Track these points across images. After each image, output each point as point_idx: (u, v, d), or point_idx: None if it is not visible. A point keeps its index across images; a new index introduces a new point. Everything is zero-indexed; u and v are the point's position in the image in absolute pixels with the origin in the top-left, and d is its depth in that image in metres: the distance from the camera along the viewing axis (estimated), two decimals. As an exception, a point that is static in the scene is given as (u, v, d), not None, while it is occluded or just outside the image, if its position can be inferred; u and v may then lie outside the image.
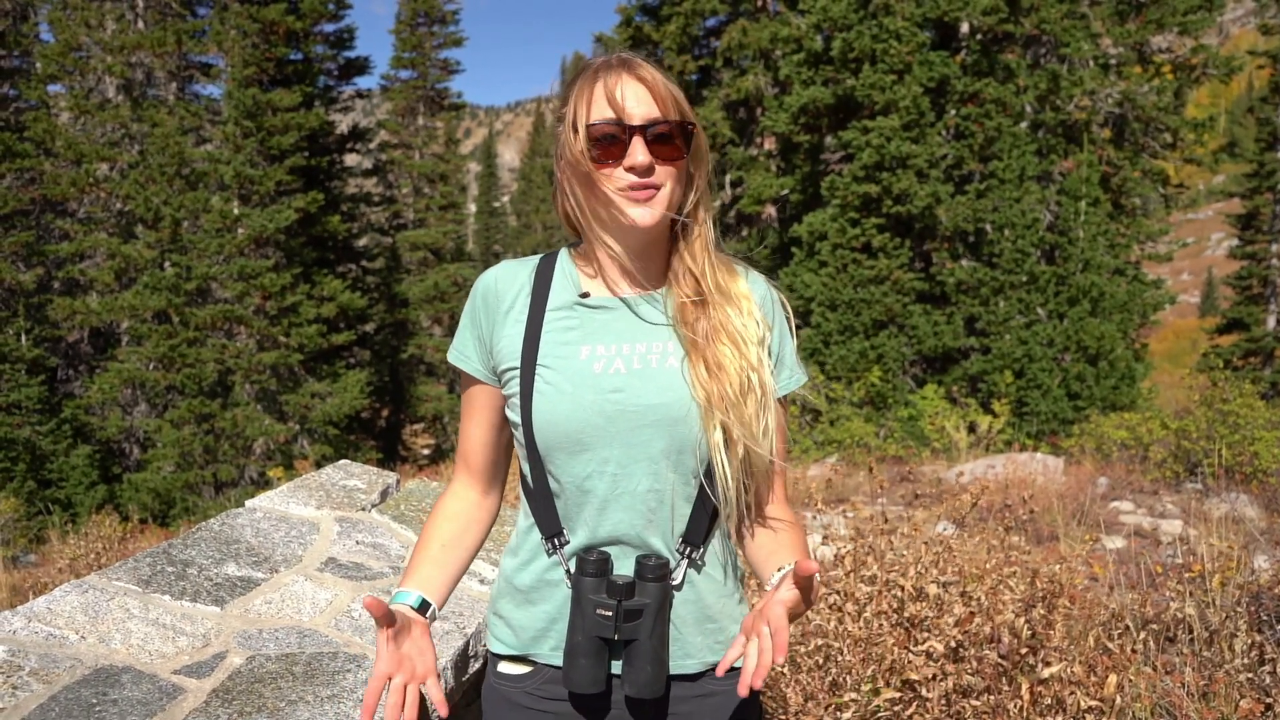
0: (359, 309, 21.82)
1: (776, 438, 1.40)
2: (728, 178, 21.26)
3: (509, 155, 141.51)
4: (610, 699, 1.40)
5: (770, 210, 21.28)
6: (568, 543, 1.39)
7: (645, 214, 1.34)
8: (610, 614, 1.32)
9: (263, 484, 17.05)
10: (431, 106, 29.22)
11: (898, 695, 2.76)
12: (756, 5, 21.42)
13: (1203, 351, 27.05)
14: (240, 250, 18.12)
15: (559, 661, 1.39)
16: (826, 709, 2.94)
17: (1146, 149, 19.13)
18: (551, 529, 1.41)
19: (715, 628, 1.41)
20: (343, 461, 3.09)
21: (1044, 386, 15.04)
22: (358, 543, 2.49)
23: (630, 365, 1.37)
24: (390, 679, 1.30)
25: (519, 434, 1.42)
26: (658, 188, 1.35)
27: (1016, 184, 16.02)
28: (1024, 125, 17.05)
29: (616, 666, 1.38)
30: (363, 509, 2.72)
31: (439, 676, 1.37)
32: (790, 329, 1.48)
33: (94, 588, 2.02)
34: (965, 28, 17.26)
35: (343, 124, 25.06)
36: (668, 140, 1.34)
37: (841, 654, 3.15)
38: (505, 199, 79.71)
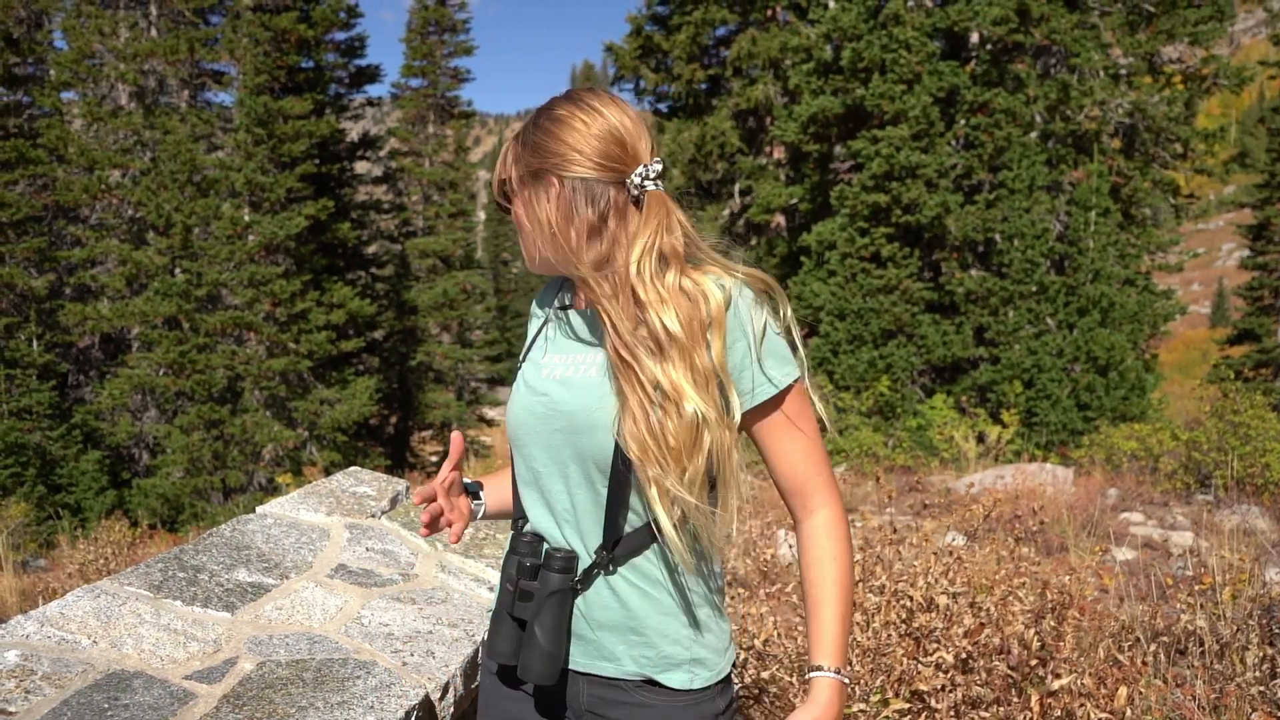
0: (368, 316, 21.87)
1: (770, 437, 1.41)
2: (737, 186, 21.29)
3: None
4: (519, 680, 1.45)
5: (779, 219, 21.29)
6: (525, 524, 1.49)
7: (527, 262, 1.48)
8: (511, 589, 1.41)
9: (271, 490, 17.07)
10: (441, 114, 29.29)
11: (907, 706, 2.75)
12: (766, 15, 21.46)
13: (1213, 362, 26.91)
14: (251, 257, 18.18)
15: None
16: (835, 719, 2.93)
17: (1157, 159, 19.08)
18: (518, 513, 1.51)
19: (641, 641, 1.40)
20: (353, 468, 3.10)
21: (1053, 397, 14.99)
22: (368, 549, 2.49)
23: (565, 373, 1.43)
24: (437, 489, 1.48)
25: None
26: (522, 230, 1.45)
27: (1026, 194, 15.99)
28: (1034, 135, 17.03)
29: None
30: (373, 516, 2.72)
31: (465, 517, 1.53)
32: (755, 335, 1.38)
33: (106, 593, 2.03)
34: (975, 38, 17.27)
35: (353, 131, 25.17)
36: (504, 197, 1.47)
37: (850, 664, 3.14)
38: (514, 207, 79.82)
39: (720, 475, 1.36)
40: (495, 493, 1.61)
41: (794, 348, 1.43)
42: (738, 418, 1.35)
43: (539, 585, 1.38)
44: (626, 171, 1.37)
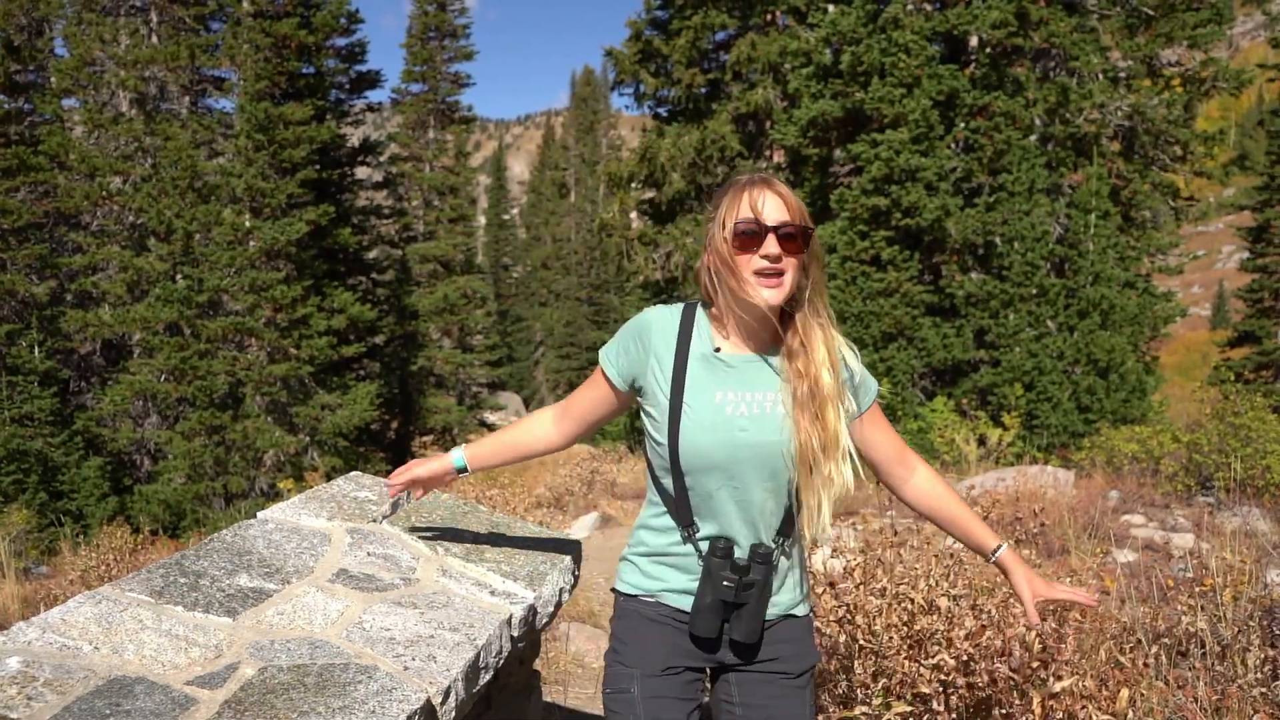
0: (369, 321, 21.88)
1: (874, 429, 2.05)
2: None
3: (518, 168, 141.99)
4: (719, 640, 1.98)
5: (779, 223, 21.27)
6: (698, 531, 1.94)
7: (773, 295, 1.85)
8: (732, 585, 1.89)
9: (273, 495, 17.07)
10: (442, 119, 29.35)
11: (909, 709, 2.75)
12: (766, 19, 21.49)
13: (1214, 365, 26.90)
14: (251, 263, 18.20)
15: (676, 603, 1.97)
16: (837, 722, 2.93)
17: (1156, 162, 19.09)
18: (685, 520, 1.94)
19: (789, 591, 2.02)
20: (353, 473, 3.10)
21: (1054, 399, 14.99)
22: (369, 554, 2.50)
23: (751, 410, 1.89)
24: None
25: (661, 450, 1.93)
26: (782, 274, 1.85)
27: (1026, 197, 16.00)
28: (1033, 138, 17.05)
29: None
30: (374, 520, 2.72)
31: (420, 486, 2.28)
32: (859, 366, 2.00)
33: (107, 599, 2.03)
34: (974, 41, 17.29)
35: (354, 137, 25.18)
36: (792, 239, 1.86)
37: (852, 667, 3.14)
38: (515, 211, 79.97)
39: (849, 472, 1.92)
40: (485, 456, 2.21)
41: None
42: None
43: (758, 577, 1.91)
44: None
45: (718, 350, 1.91)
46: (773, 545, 1.94)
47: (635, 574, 2.03)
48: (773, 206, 1.86)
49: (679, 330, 1.94)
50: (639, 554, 2.03)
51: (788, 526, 1.95)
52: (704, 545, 1.92)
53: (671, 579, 1.98)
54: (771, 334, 1.91)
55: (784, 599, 2.00)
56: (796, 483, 1.88)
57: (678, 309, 1.98)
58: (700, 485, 1.90)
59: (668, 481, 1.94)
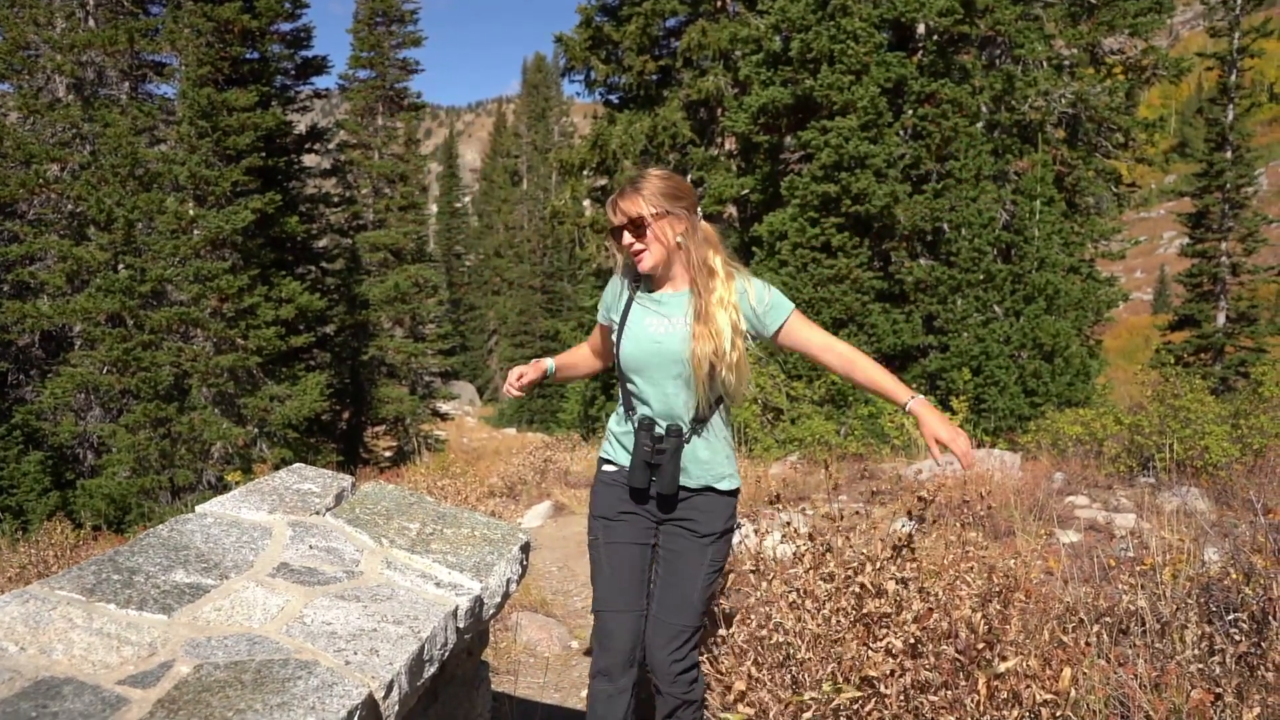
0: (318, 310, 21.55)
1: (798, 333, 2.79)
2: (689, 178, 21.28)
3: (470, 155, 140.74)
4: (648, 493, 2.79)
5: (731, 210, 21.35)
6: (635, 414, 2.79)
7: (643, 264, 2.71)
8: (649, 449, 2.72)
9: (221, 488, 16.78)
10: (391, 106, 28.97)
11: (858, 693, 2.77)
12: (716, 6, 21.48)
13: (1155, 348, 27.53)
14: (196, 252, 17.82)
15: (625, 463, 2.82)
16: (786, 707, 2.94)
17: (1099, 149, 19.43)
18: (628, 407, 2.83)
19: (706, 465, 2.78)
20: (296, 465, 3.04)
21: (1001, 383, 15.22)
22: (311, 547, 2.45)
23: (664, 329, 2.72)
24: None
25: (617, 359, 2.80)
26: (645, 250, 2.69)
27: (973, 183, 16.19)
28: (980, 125, 17.24)
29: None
30: (317, 513, 2.68)
31: (540, 372, 3.00)
32: (765, 290, 2.75)
33: (35, 597, 1.97)
34: (921, 29, 17.43)
35: (301, 124, 24.72)
36: (640, 227, 2.68)
37: (801, 652, 3.16)
38: (467, 199, 79.26)
39: (739, 375, 2.71)
40: (565, 363, 3.12)
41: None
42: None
43: (666, 446, 2.71)
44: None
45: (650, 292, 2.79)
46: (684, 426, 2.73)
47: (607, 447, 2.92)
48: (621, 210, 2.68)
49: (629, 284, 2.84)
50: (610, 434, 2.92)
51: (703, 413, 2.74)
52: (636, 424, 2.76)
53: (622, 450, 2.84)
54: (680, 278, 2.75)
55: (701, 472, 2.76)
56: (703, 376, 2.65)
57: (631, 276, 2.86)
58: (634, 382, 2.77)
59: (621, 382, 2.82)
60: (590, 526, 2.88)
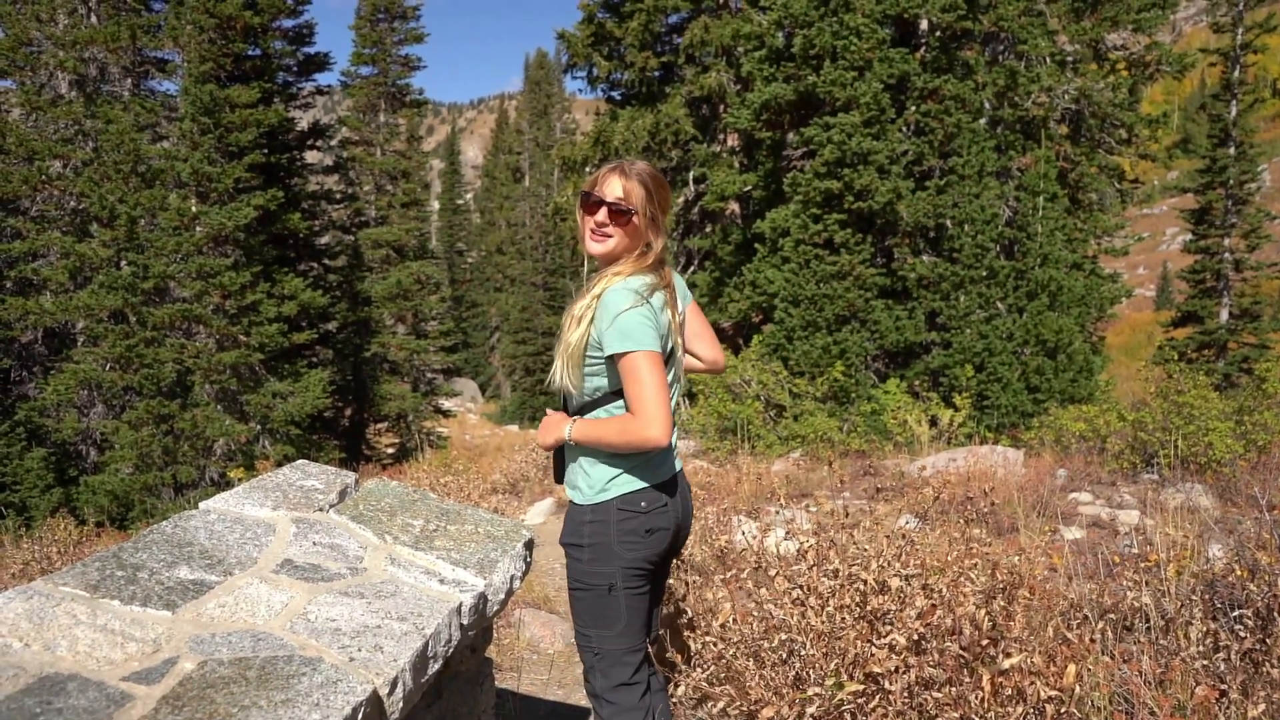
0: (321, 307, 21.56)
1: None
2: (691, 174, 21.27)
3: (472, 152, 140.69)
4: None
5: (733, 206, 21.34)
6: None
7: (597, 248, 2.58)
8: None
9: (224, 485, 16.79)
10: (393, 103, 28.96)
11: (861, 688, 2.77)
12: (719, 2, 21.45)
13: (1158, 344, 27.45)
14: (198, 248, 17.83)
15: None
16: (790, 704, 2.94)
17: (1102, 145, 19.40)
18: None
19: (577, 470, 2.64)
20: (300, 461, 3.04)
21: (1004, 380, 15.20)
22: (315, 544, 2.45)
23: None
24: None
25: None
26: (609, 237, 2.55)
27: (976, 180, 16.16)
28: (983, 121, 17.21)
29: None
30: (320, 509, 2.67)
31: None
32: (602, 318, 2.46)
33: (39, 594, 1.97)
34: (925, 24, 17.40)
35: (303, 121, 24.71)
36: (622, 214, 2.53)
37: (805, 648, 3.15)
38: (469, 196, 79.22)
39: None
40: None
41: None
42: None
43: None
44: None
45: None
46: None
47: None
48: (612, 187, 2.52)
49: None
50: None
51: (581, 409, 2.62)
52: None
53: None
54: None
55: (569, 478, 2.67)
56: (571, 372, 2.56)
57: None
58: None
59: None
60: None
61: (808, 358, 15.69)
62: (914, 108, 16.81)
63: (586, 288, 2.54)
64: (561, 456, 2.68)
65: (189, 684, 1.75)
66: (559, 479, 2.71)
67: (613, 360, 2.44)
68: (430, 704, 2.52)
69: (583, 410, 2.60)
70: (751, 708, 3.16)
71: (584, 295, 2.51)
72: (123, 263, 18.16)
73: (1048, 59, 17.86)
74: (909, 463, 10.46)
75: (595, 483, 2.57)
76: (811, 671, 3.05)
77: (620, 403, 2.52)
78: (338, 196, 27.25)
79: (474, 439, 32.87)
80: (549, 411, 2.74)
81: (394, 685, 1.91)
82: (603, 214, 2.51)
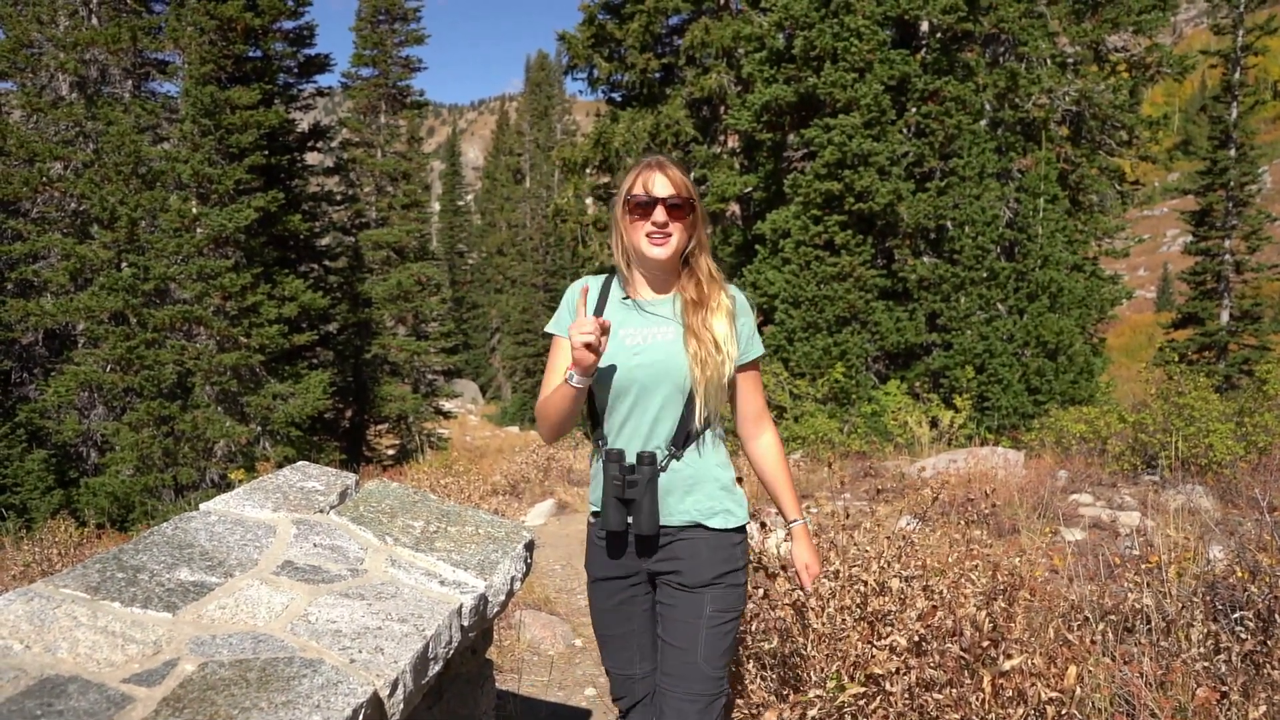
0: (321, 309, 21.55)
1: (748, 385, 2.49)
2: (691, 176, 21.22)
3: (473, 153, 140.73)
4: (628, 537, 2.40)
5: (734, 208, 21.33)
6: (605, 444, 2.40)
7: (661, 252, 2.35)
8: (619, 482, 2.32)
9: (224, 486, 16.78)
10: (394, 104, 28.97)
11: (862, 690, 2.77)
12: (719, 3, 21.45)
13: (1159, 346, 27.44)
14: (199, 250, 17.82)
15: (598, 508, 2.44)
16: (792, 706, 2.94)
17: (1103, 146, 19.39)
18: (598, 438, 2.44)
19: (694, 498, 2.37)
20: (300, 463, 3.04)
21: (1004, 381, 15.20)
22: (315, 545, 2.45)
23: (646, 340, 2.35)
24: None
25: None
26: (669, 236, 2.34)
27: (976, 181, 16.16)
28: (983, 123, 17.21)
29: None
30: (321, 511, 2.67)
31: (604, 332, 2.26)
32: (752, 319, 2.47)
33: (40, 595, 1.97)
34: (925, 26, 17.40)
35: (303, 122, 24.71)
36: (678, 208, 2.34)
37: (806, 649, 3.15)
38: (469, 197, 79.24)
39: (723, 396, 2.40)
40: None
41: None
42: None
43: (639, 477, 2.30)
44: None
45: (627, 298, 2.42)
46: (662, 452, 2.35)
47: (591, 492, 2.51)
48: (661, 184, 2.33)
49: (600, 287, 2.47)
50: (592, 476, 2.52)
51: (681, 438, 2.35)
52: (605, 455, 2.37)
53: (596, 492, 2.46)
54: (670, 284, 2.43)
55: (687, 506, 2.36)
56: (688, 396, 2.33)
57: (601, 275, 2.51)
58: (607, 405, 2.38)
59: (593, 406, 2.44)
60: (587, 583, 2.56)
61: (808, 359, 15.69)
62: (914, 109, 16.81)
63: (696, 301, 2.35)
64: (636, 484, 2.31)
65: (190, 686, 1.75)
66: (649, 526, 2.31)
67: (743, 367, 2.44)
68: (431, 705, 2.52)
69: (687, 441, 2.36)
70: (753, 710, 3.16)
71: (702, 311, 2.34)
72: (123, 264, 18.16)
73: (1048, 61, 17.86)
74: (909, 464, 10.46)
75: (742, 500, 2.46)
76: (812, 673, 3.05)
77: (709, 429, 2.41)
78: (338, 198, 27.26)
79: (474, 440, 32.88)
80: (804, 546, 2.53)
81: (394, 687, 1.91)
82: (660, 213, 2.32)
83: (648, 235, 2.33)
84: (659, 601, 2.42)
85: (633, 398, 2.32)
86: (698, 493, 2.36)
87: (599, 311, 2.39)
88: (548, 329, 2.48)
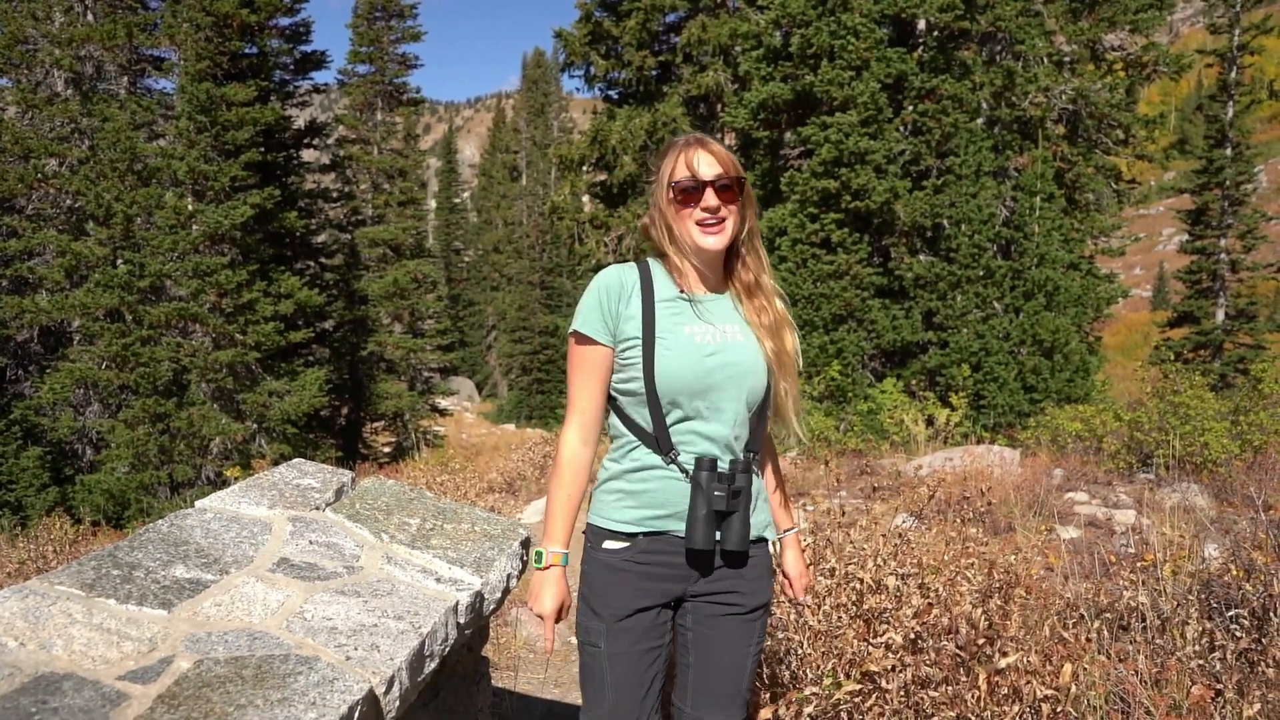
0: (317, 306, 21.53)
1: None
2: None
3: (469, 151, 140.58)
4: (713, 555, 2.12)
5: (731, 206, 21.27)
6: (679, 454, 2.08)
7: (716, 241, 2.10)
8: (723, 494, 2.04)
9: (220, 484, 16.75)
10: (390, 101, 28.93)
11: (858, 687, 2.77)
12: (716, 1, 21.44)
13: (1154, 344, 27.53)
14: (195, 247, 17.79)
15: (665, 527, 2.10)
16: (788, 703, 2.94)
17: (1099, 145, 19.40)
18: (666, 448, 2.09)
19: (759, 507, 2.21)
20: (296, 460, 3.04)
21: (1000, 379, 15.22)
22: (311, 542, 2.45)
23: (718, 339, 2.10)
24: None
25: (636, 385, 2.08)
26: (723, 221, 2.10)
27: (973, 179, 16.17)
28: (980, 121, 17.22)
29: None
30: (316, 508, 2.67)
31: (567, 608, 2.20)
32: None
33: (35, 593, 1.96)
34: (922, 24, 17.40)
35: (300, 119, 24.67)
36: (728, 189, 2.09)
37: (802, 647, 3.16)
38: (466, 195, 79.21)
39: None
40: (565, 526, 2.19)
41: None
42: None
43: (742, 485, 2.08)
44: None
45: (682, 293, 2.14)
46: (747, 456, 2.15)
47: (616, 515, 2.12)
48: (707, 163, 2.08)
49: (640, 280, 2.13)
50: (614, 497, 2.13)
51: (754, 442, 2.20)
52: (688, 465, 2.08)
53: (659, 507, 2.10)
54: (720, 275, 2.19)
55: (758, 518, 2.18)
56: (764, 398, 2.16)
57: (632, 265, 2.18)
58: (678, 411, 2.08)
59: (643, 416, 2.10)
60: (585, 625, 2.19)
61: (805, 357, 15.68)
62: (911, 107, 16.81)
63: (755, 295, 2.18)
64: (739, 494, 2.09)
65: (185, 683, 1.75)
66: (740, 541, 2.10)
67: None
68: (427, 702, 2.52)
69: (754, 443, 2.21)
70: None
71: (767, 308, 2.17)
72: (119, 261, 18.13)
73: (1045, 59, 17.87)
74: (905, 462, 10.47)
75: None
76: (808, 670, 3.05)
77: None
78: (334, 195, 27.23)
79: (471, 438, 32.86)
80: (795, 555, 2.44)
81: (390, 684, 1.91)
82: (711, 196, 2.06)
83: (699, 223, 2.09)
84: (692, 628, 2.17)
85: (708, 401, 2.07)
86: (759, 503, 2.20)
87: (648, 306, 2.09)
88: (575, 327, 2.12)
